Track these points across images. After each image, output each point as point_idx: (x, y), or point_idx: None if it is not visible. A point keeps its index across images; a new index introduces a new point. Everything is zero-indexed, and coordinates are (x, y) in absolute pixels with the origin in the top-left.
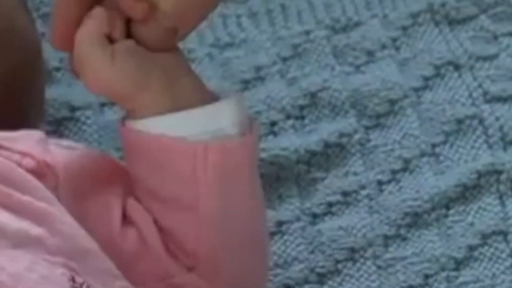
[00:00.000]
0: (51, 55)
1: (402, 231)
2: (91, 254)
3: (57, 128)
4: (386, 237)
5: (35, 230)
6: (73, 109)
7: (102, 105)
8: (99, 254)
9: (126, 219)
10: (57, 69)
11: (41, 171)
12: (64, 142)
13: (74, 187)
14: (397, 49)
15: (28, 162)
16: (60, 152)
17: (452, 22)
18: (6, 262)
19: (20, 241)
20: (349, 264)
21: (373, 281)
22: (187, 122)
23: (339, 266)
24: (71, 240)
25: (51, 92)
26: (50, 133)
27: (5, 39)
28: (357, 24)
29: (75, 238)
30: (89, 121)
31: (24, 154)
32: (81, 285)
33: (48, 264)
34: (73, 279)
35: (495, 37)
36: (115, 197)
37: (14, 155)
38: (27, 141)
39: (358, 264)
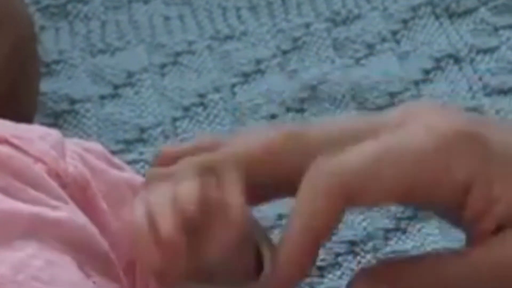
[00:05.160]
0: (50, 48)
1: (403, 225)
2: (101, 253)
3: (56, 121)
4: (386, 231)
5: (50, 213)
6: (72, 102)
7: (102, 98)
8: (108, 256)
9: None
10: (56, 62)
11: (51, 175)
12: (91, 157)
13: (83, 202)
14: (398, 42)
15: (40, 167)
16: (75, 163)
17: (453, 15)
18: (9, 253)
19: (32, 227)
20: (349, 257)
21: None
22: None
23: (339, 259)
24: (83, 232)
25: (50, 85)
26: (49, 126)
27: (3, 15)
28: (357, 17)
29: (86, 232)
30: (88, 114)
31: (37, 159)
32: (88, 274)
33: (57, 251)
34: (81, 266)
35: (496, 30)
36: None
37: (28, 158)
38: (42, 144)
39: (358, 258)
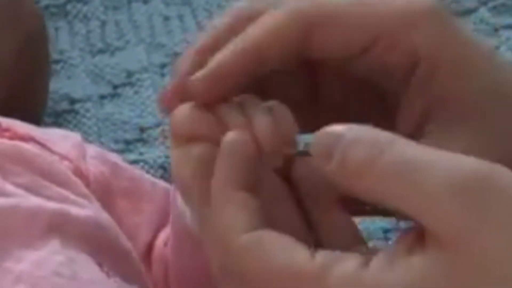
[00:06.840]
0: (50, 48)
1: (402, 224)
2: (123, 254)
3: (57, 120)
4: (386, 230)
5: (73, 210)
6: (72, 101)
7: (102, 97)
8: (130, 256)
9: (152, 252)
10: (56, 62)
11: (76, 174)
12: (112, 156)
13: (103, 199)
14: None
15: (67, 165)
16: (96, 162)
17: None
18: (30, 250)
19: (54, 223)
20: None
21: None
22: None
23: None
24: (105, 232)
25: (51, 85)
26: (49, 126)
27: (14, 12)
28: None
29: (109, 231)
30: (88, 113)
31: (62, 157)
32: (108, 273)
33: (76, 249)
34: (100, 265)
35: (495, 30)
36: (143, 224)
37: (54, 157)
38: (65, 144)
39: None
